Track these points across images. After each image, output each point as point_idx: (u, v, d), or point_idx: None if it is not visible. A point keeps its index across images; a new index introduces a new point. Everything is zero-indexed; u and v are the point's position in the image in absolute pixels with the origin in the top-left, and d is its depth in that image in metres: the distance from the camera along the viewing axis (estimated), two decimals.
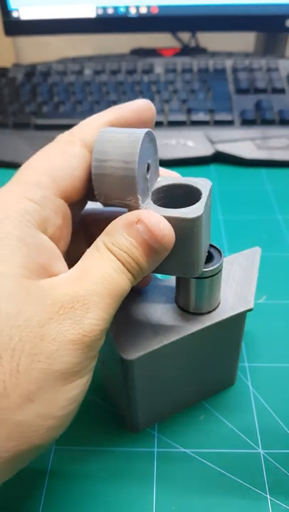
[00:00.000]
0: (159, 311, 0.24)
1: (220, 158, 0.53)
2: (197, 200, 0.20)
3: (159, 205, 0.20)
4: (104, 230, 0.19)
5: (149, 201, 0.20)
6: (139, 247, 0.19)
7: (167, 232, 0.19)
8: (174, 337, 0.22)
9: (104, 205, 0.20)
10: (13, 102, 0.59)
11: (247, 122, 0.55)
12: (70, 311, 0.17)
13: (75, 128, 0.21)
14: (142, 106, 0.21)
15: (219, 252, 0.23)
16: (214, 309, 0.24)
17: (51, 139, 0.21)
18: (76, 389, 0.18)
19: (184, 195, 0.21)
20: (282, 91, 0.59)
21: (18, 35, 0.72)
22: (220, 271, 0.23)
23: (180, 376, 0.26)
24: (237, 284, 0.25)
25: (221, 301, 0.24)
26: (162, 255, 0.19)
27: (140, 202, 0.19)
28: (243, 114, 0.55)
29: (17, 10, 0.63)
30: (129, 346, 0.22)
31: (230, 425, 0.27)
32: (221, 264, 0.23)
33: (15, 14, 0.64)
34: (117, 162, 0.18)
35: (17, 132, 0.56)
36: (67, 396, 0.17)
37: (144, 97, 0.59)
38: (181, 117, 0.56)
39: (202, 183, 0.21)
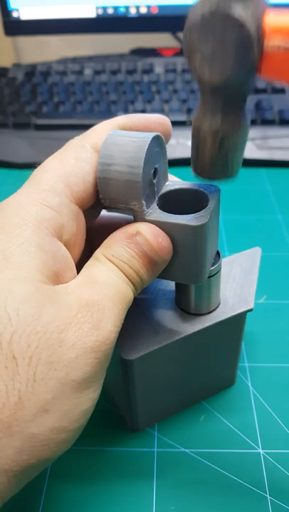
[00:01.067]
0: (159, 312, 0.24)
1: None
2: (204, 206, 0.20)
3: (165, 210, 0.20)
4: (103, 243, 0.19)
5: (154, 206, 0.20)
6: (139, 259, 0.19)
7: (166, 245, 0.19)
8: (174, 337, 0.22)
9: (109, 209, 0.20)
10: (13, 102, 0.59)
11: None
12: (87, 315, 0.17)
13: (86, 133, 0.21)
14: (156, 119, 0.21)
15: (218, 253, 0.23)
16: (214, 309, 0.24)
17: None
18: (89, 402, 0.17)
19: (192, 201, 0.21)
20: (282, 91, 0.59)
21: (18, 35, 0.71)
22: (218, 272, 0.23)
23: (180, 376, 0.26)
24: (237, 285, 0.25)
25: (221, 301, 0.24)
26: (161, 267, 0.20)
27: (144, 207, 0.19)
28: None
29: (17, 10, 0.63)
30: (130, 346, 0.22)
31: (230, 425, 0.27)
32: (219, 265, 0.22)
33: (15, 14, 0.64)
34: (122, 166, 0.18)
35: (17, 132, 0.56)
36: (81, 408, 0.17)
37: (144, 96, 0.59)
38: (181, 117, 0.56)
39: (211, 189, 0.21)
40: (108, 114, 0.56)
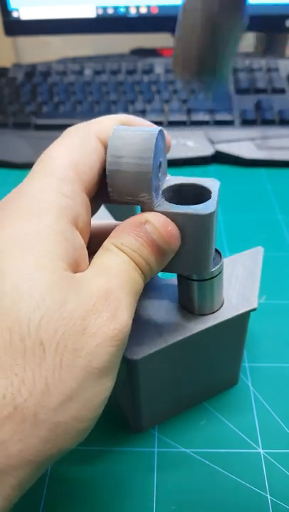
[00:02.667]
0: (163, 311, 0.24)
1: (220, 158, 0.53)
2: (206, 199, 0.20)
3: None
4: (112, 234, 0.19)
5: (160, 199, 0.20)
6: (148, 247, 0.19)
7: (174, 233, 0.19)
8: (178, 337, 0.23)
9: (117, 202, 0.20)
10: (13, 102, 0.59)
11: (247, 122, 0.55)
12: (105, 304, 0.17)
13: (90, 121, 0.21)
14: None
15: (219, 253, 0.23)
16: (218, 309, 0.24)
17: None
18: (107, 391, 0.17)
19: (193, 195, 0.21)
20: (282, 91, 0.59)
21: (18, 35, 0.71)
22: (220, 272, 0.23)
23: (184, 376, 0.26)
24: (240, 284, 0.25)
25: (224, 301, 0.24)
26: (169, 256, 0.20)
27: (154, 199, 0.19)
28: (243, 114, 0.55)
29: (17, 10, 0.63)
30: (134, 346, 0.22)
31: (231, 425, 0.27)
32: (222, 266, 0.23)
33: (15, 14, 0.64)
34: (132, 158, 0.18)
35: (17, 132, 0.56)
36: (101, 397, 0.17)
37: (144, 96, 0.59)
38: (181, 117, 0.56)
39: (211, 182, 0.21)
40: (108, 114, 0.56)
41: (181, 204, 0.20)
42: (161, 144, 0.20)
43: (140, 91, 0.59)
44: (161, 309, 0.24)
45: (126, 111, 0.57)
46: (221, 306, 0.24)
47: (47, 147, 0.20)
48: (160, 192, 0.21)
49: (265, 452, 0.26)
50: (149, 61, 0.64)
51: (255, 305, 0.24)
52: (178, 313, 0.24)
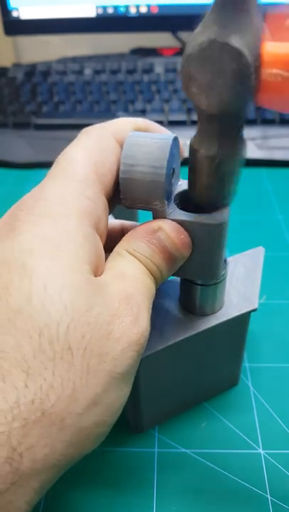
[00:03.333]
0: (164, 311, 0.24)
1: None
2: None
3: (181, 209, 0.20)
4: (124, 239, 0.19)
5: (173, 205, 0.20)
6: (161, 254, 0.19)
7: (186, 241, 0.20)
8: (178, 337, 0.23)
9: (129, 208, 0.20)
10: (13, 102, 0.59)
11: (247, 122, 0.55)
12: (127, 308, 0.17)
13: (106, 123, 0.21)
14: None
15: (224, 259, 0.23)
16: (218, 310, 0.24)
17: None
18: (126, 396, 0.17)
19: None
20: None
21: (18, 35, 0.71)
22: (225, 278, 0.23)
23: (184, 376, 0.26)
24: (241, 284, 0.25)
25: (225, 301, 0.24)
26: (180, 263, 0.20)
27: (166, 207, 0.19)
28: None
29: (17, 9, 0.63)
30: None
31: (231, 425, 0.27)
32: (226, 272, 0.23)
33: (15, 14, 0.64)
34: (146, 167, 0.18)
35: (17, 132, 0.56)
36: (121, 402, 0.17)
37: (144, 96, 0.59)
38: (182, 117, 0.56)
39: None
40: (108, 113, 0.56)
41: (194, 208, 0.20)
42: (175, 152, 0.20)
43: (140, 90, 0.59)
44: (161, 309, 0.24)
45: (126, 111, 0.57)
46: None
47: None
48: (172, 198, 0.21)
49: (266, 452, 0.26)
50: (149, 61, 0.64)
51: (255, 305, 0.24)
52: (179, 313, 0.24)
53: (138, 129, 0.21)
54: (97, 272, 0.18)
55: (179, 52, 0.71)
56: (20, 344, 0.14)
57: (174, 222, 0.19)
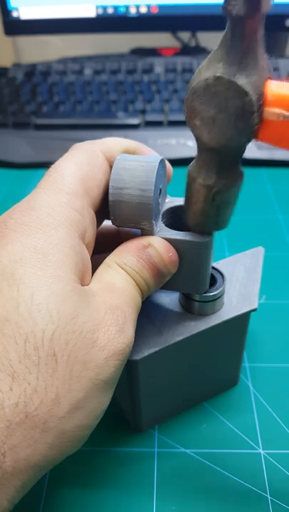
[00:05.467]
0: (164, 311, 0.24)
1: None
2: None
3: (168, 225, 0.21)
4: (115, 251, 0.20)
5: (160, 224, 0.21)
6: (149, 269, 0.20)
7: (174, 259, 0.21)
8: (178, 337, 0.23)
9: (119, 227, 0.21)
10: (13, 102, 0.59)
11: None
12: (113, 318, 0.18)
13: (97, 140, 0.22)
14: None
15: (222, 275, 0.24)
16: (220, 296, 0.24)
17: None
18: (108, 402, 0.18)
19: None
20: None
21: (18, 35, 0.71)
22: (222, 295, 0.24)
23: (184, 376, 0.26)
24: (241, 284, 0.25)
25: (225, 301, 0.24)
26: (166, 278, 0.21)
27: (154, 226, 0.20)
28: None
29: (17, 9, 0.63)
30: (134, 347, 0.22)
31: (231, 425, 0.27)
32: (223, 288, 0.24)
33: (15, 14, 0.64)
34: (134, 190, 0.19)
35: (17, 132, 0.56)
36: (103, 407, 0.17)
37: (144, 96, 0.59)
38: (181, 117, 0.56)
39: None
40: (108, 113, 0.56)
41: (180, 224, 0.21)
42: (161, 172, 0.21)
43: (140, 91, 0.59)
44: (161, 309, 0.24)
45: (126, 111, 0.57)
46: (222, 306, 0.24)
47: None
48: (160, 217, 0.22)
49: (266, 453, 0.26)
50: (149, 61, 0.64)
51: (255, 305, 0.24)
52: (178, 313, 0.24)
53: (127, 150, 0.22)
54: (83, 281, 0.18)
55: (179, 52, 0.71)
56: (7, 350, 0.15)
57: (163, 240, 0.20)
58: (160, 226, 0.21)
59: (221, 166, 0.19)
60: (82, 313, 0.17)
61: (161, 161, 0.21)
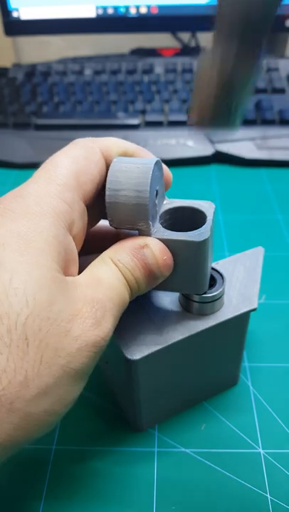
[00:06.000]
0: (163, 311, 0.24)
1: (220, 158, 0.53)
2: (202, 221, 0.21)
3: (165, 227, 0.21)
4: (112, 247, 0.20)
5: (157, 225, 0.21)
6: (142, 269, 0.20)
7: (169, 262, 0.21)
8: (178, 337, 0.23)
9: (117, 229, 0.21)
10: (13, 102, 0.59)
11: (247, 122, 0.55)
12: (91, 311, 0.18)
13: (96, 138, 0.22)
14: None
15: (221, 276, 0.24)
16: (219, 297, 0.24)
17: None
18: (79, 391, 0.18)
19: (189, 217, 0.22)
20: (282, 91, 0.59)
21: (18, 35, 0.71)
22: (222, 296, 0.24)
23: (184, 376, 0.26)
24: (241, 284, 0.25)
25: (224, 301, 0.24)
26: (159, 280, 0.21)
27: (151, 227, 0.20)
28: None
29: (17, 10, 0.63)
30: (134, 346, 0.22)
31: (231, 425, 0.27)
32: (223, 289, 0.24)
33: (15, 14, 0.64)
34: (130, 191, 0.20)
35: (17, 132, 0.56)
36: (73, 396, 0.18)
37: (144, 96, 0.59)
38: (181, 117, 0.56)
39: (206, 205, 0.22)
40: (108, 114, 0.56)
41: (178, 226, 0.21)
42: (158, 174, 0.21)
43: (140, 91, 0.59)
44: (161, 309, 0.24)
45: (126, 111, 0.57)
46: (222, 306, 0.24)
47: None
48: (157, 218, 0.22)
49: (265, 452, 0.26)
50: (149, 61, 0.64)
51: (255, 305, 0.24)
52: (178, 312, 0.24)
53: (126, 152, 0.22)
54: (67, 271, 0.19)
55: (179, 52, 0.71)
56: None
57: (160, 242, 0.21)
58: (157, 227, 0.21)
59: (241, 49, 0.17)
60: (59, 302, 0.17)
61: (157, 163, 0.21)
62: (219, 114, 0.19)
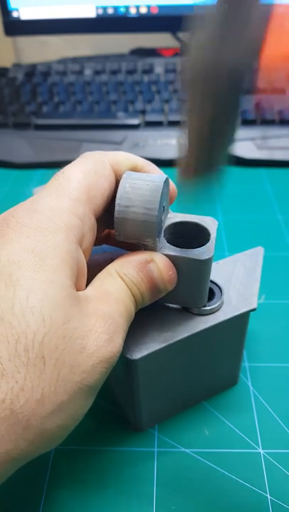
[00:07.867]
0: (163, 311, 0.24)
1: None
2: (204, 236, 0.22)
3: (169, 240, 0.22)
4: (117, 261, 0.21)
5: (163, 240, 0.22)
6: (147, 284, 0.20)
7: (174, 277, 0.21)
8: (178, 337, 0.23)
9: (123, 241, 0.22)
10: (13, 102, 0.59)
11: (247, 122, 0.55)
12: (104, 326, 0.18)
13: (106, 152, 0.22)
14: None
15: (219, 288, 0.24)
16: (218, 309, 0.24)
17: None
18: (90, 405, 0.18)
19: (192, 230, 0.23)
20: (282, 91, 0.59)
21: (18, 35, 0.71)
22: (220, 309, 0.24)
23: (184, 376, 0.26)
24: (240, 284, 0.25)
25: (224, 301, 0.24)
26: (162, 294, 0.22)
27: (157, 243, 0.21)
28: (243, 114, 0.55)
29: (17, 10, 0.63)
30: (134, 346, 0.22)
31: (231, 425, 0.27)
32: (221, 302, 0.24)
33: (15, 14, 0.64)
34: (139, 208, 0.20)
35: (17, 132, 0.56)
36: (85, 410, 0.18)
37: (144, 96, 0.59)
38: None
39: (209, 222, 0.22)
40: (108, 114, 0.56)
41: (181, 239, 0.22)
42: (165, 191, 0.21)
43: (140, 91, 0.59)
44: (161, 309, 0.24)
45: (126, 111, 0.57)
46: (221, 306, 0.24)
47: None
48: (162, 233, 0.22)
49: (265, 452, 0.26)
50: (149, 61, 0.64)
51: (255, 305, 0.24)
52: (178, 312, 0.24)
53: (135, 167, 0.22)
54: (77, 286, 0.19)
55: (179, 52, 0.71)
56: None
57: (166, 258, 0.21)
58: (162, 242, 0.22)
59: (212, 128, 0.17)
60: (74, 319, 0.17)
61: (166, 180, 0.21)
62: (206, 151, 0.19)
